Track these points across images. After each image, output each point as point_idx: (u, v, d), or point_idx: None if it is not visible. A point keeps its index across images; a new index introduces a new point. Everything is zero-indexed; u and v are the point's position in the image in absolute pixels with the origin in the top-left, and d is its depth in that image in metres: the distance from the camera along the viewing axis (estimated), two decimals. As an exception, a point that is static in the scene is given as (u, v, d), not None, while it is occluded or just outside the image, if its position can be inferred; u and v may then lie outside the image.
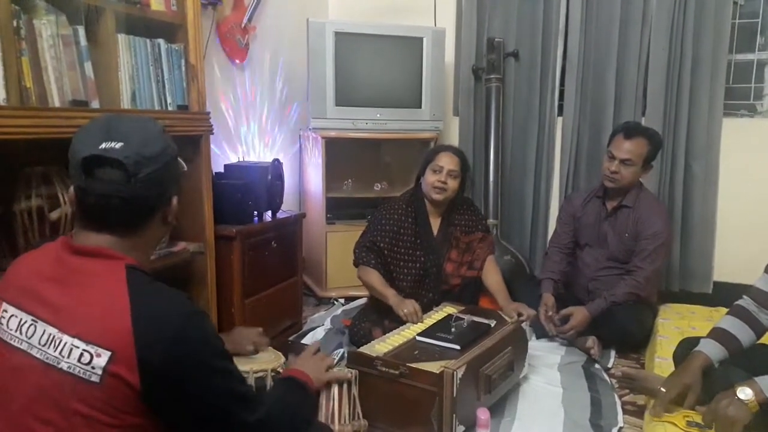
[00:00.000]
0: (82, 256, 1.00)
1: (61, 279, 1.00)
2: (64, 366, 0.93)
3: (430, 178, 2.46)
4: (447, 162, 2.45)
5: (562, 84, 3.33)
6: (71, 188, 1.03)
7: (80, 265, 1.00)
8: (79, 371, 0.92)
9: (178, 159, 1.11)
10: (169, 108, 2.01)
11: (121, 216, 1.02)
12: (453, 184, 2.46)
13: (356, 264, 2.50)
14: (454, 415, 1.71)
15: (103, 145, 0.97)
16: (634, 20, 3.10)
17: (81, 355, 0.93)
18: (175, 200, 1.11)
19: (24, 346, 0.97)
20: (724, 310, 1.84)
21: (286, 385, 1.37)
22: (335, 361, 1.83)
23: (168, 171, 1.05)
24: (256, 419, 1.10)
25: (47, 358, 0.94)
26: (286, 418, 1.21)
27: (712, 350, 1.70)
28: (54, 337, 0.95)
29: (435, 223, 2.55)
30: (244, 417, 1.07)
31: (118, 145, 0.98)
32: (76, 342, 0.93)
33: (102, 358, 0.92)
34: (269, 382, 1.52)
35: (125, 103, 1.85)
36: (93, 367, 0.92)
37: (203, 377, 0.99)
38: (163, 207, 1.08)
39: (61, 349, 0.94)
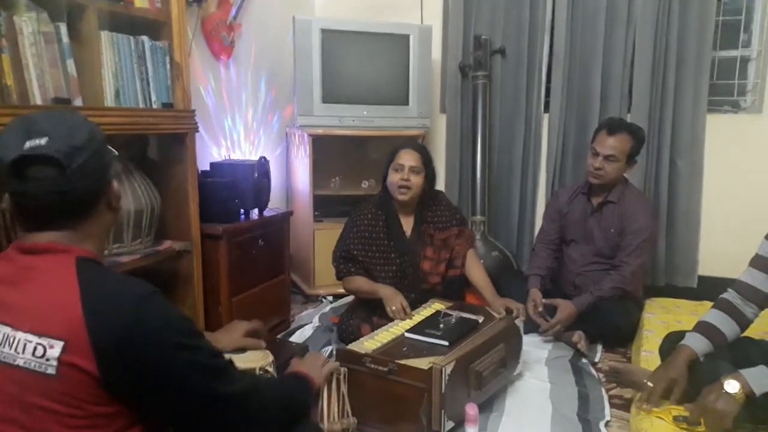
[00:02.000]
0: (31, 254, 0.99)
1: (11, 279, 0.98)
2: (20, 362, 0.92)
3: (393, 178, 2.43)
4: (407, 159, 2.42)
5: (548, 81, 3.34)
6: (5, 196, 1.00)
7: (30, 262, 0.98)
8: (34, 365, 0.92)
9: (108, 145, 1.08)
10: (154, 106, 2.00)
11: (63, 211, 0.99)
12: (416, 180, 2.42)
13: (339, 278, 2.50)
14: (443, 411, 1.71)
15: (28, 144, 0.94)
16: (620, 17, 3.12)
17: (35, 348, 0.92)
18: (115, 184, 1.08)
19: None
20: (709, 304, 1.86)
21: (285, 376, 1.38)
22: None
23: (100, 157, 1.02)
24: (237, 390, 1.06)
25: (4, 358, 0.94)
26: (276, 399, 1.20)
27: (698, 344, 1.71)
28: (8, 335, 0.94)
29: (407, 223, 2.52)
30: (222, 389, 1.04)
31: (44, 140, 0.95)
32: (29, 337, 0.92)
33: (55, 349, 0.91)
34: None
35: (109, 101, 1.83)
36: (47, 359, 0.91)
37: (165, 355, 0.96)
38: (104, 193, 1.06)
39: (16, 346, 0.93)
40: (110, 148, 1.12)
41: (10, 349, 0.93)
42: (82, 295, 0.93)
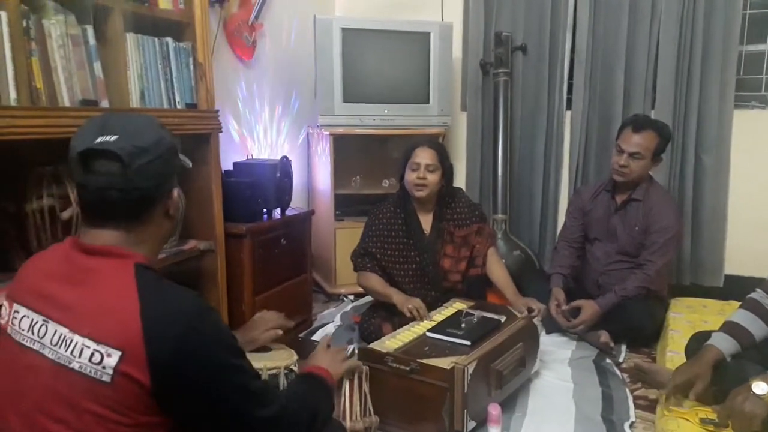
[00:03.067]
0: (91, 255, 1.01)
1: (71, 278, 1.00)
2: (75, 366, 0.94)
3: (409, 177, 2.43)
4: (423, 157, 2.41)
5: (570, 77, 3.31)
6: (74, 187, 1.05)
7: (90, 263, 1.00)
8: (90, 371, 0.93)
9: (179, 154, 1.11)
10: (178, 106, 2.02)
11: (121, 209, 1.02)
12: (432, 178, 2.42)
13: (355, 270, 2.51)
14: (465, 411, 1.71)
15: (99, 139, 0.99)
16: (643, 12, 3.08)
17: (92, 354, 0.93)
18: (175, 193, 1.11)
19: (36, 346, 0.97)
20: (736, 303, 1.83)
21: (304, 380, 1.37)
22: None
23: (165, 163, 1.05)
24: (271, 415, 1.09)
25: (59, 358, 0.95)
26: (304, 413, 1.21)
27: (724, 344, 1.69)
28: (65, 336, 0.95)
29: (426, 221, 2.51)
30: (258, 413, 1.07)
31: (113, 138, 0.99)
32: (87, 342, 0.94)
33: (112, 358, 0.92)
34: (282, 380, 1.52)
35: (134, 102, 1.86)
36: (104, 367, 0.92)
37: (214, 374, 0.99)
38: (163, 199, 1.08)
39: (73, 349, 0.94)
40: (183, 157, 1.15)
41: (66, 350, 0.95)
42: (142, 306, 0.95)
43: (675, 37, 3.02)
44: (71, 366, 0.94)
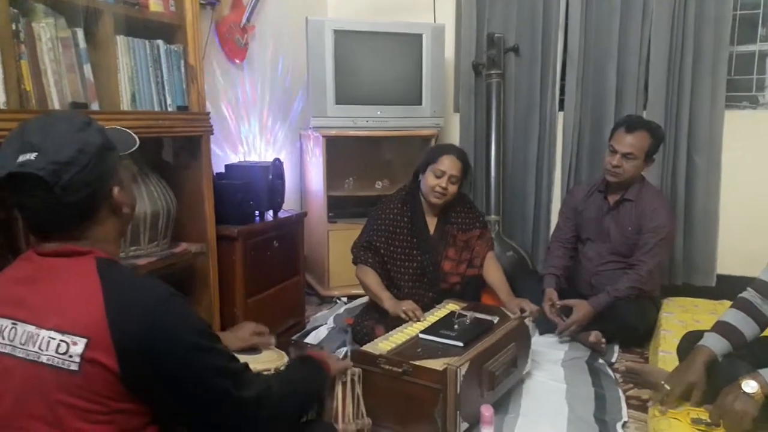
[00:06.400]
0: (51, 257, 1.02)
1: (33, 279, 1.01)
2: (44, 359, 0.95)
3: (430, 181, 2.43)
4: (449, 167, 2.41)
5: (562, 78, 3.32)
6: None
7: (50, 264, 1.01)
8: (58, 362, 0.94)
9: (109, 149, 1.05)
10: (169, 109, 2.02)
11: (59, 223, 1.01)
12: (453, 189, 2.43)
13: (354, 263, 2.51)
14: (458, 412, 1.71)
15: (21, 159, 0.96)
16: (635, 13, 3.09)
17: (58, 345, 0.94)
18: (116, 191, 1.06)
19: (8, 350, 0.98)
20: (728, 303, 1.83)
21: (301, 362, 1.38)
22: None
23: (94, 168, 1.00)
24: (253, 395, 1.08)
25: (28, 355, 0.96)
26: (293, 398, 1.21)
27: (716, 344, 1.69)
28: (32, 333, 0.97)
29: (431, 222, 2.53)
30: (238, 393, 1.06)
31: (33, 156, 0.96)
32: (53, 334, 0.95)
33: (78, 346, 0.93)
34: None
35: (125, 105, 1.85)
36: (70, 356, 0.93)
37: (185, 356, 0.98)
38: (103, 202, 1.05)
39: (40, 344, 0.95)
40: (132, 135, 1.14)
41: (34, 346, 0.96)
42: (105, 294, 0.96)
43: (666, 37, 3.03)
44: (40, 360, 0.95)
